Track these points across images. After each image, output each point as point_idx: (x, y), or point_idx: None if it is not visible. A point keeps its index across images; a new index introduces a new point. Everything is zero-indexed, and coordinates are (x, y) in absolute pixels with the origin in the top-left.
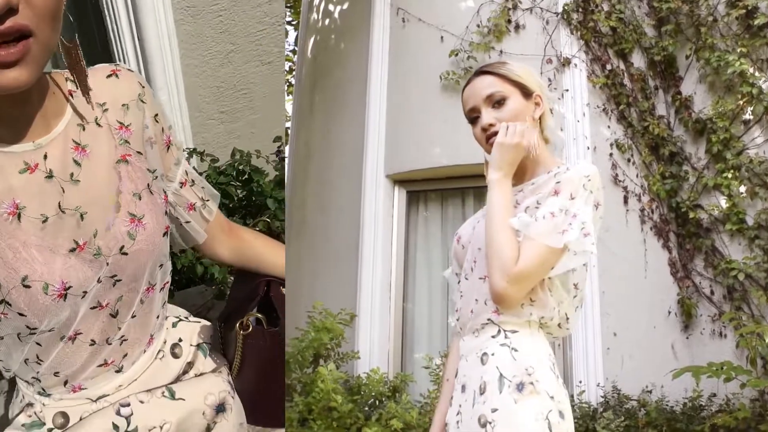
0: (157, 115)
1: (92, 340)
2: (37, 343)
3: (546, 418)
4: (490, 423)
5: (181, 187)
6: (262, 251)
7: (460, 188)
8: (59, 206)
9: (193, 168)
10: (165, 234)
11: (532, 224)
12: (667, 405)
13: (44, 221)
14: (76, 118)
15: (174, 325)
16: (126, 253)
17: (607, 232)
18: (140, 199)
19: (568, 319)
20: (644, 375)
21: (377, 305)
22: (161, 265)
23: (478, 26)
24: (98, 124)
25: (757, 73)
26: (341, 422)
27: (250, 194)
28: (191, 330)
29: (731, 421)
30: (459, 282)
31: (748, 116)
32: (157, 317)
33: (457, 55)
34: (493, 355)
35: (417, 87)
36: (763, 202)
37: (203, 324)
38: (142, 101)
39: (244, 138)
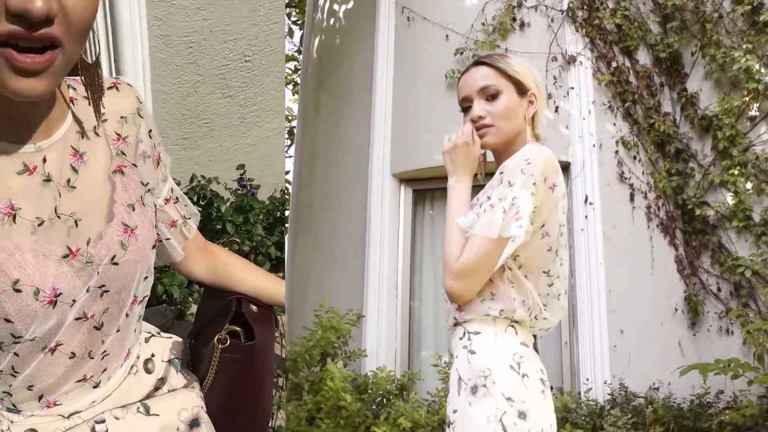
0: (151, 131)
1: (72, 353)
2: (15, 354)
3: (499, 420)
4: (451, 424)
5: (165, 204)
6: (236, 270)
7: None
8: (55, 211)
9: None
10: (154, 247)
11: (471, 217)
12: (674, 402)
13: (39, 225)
14: (75, 126)
15: (146, 340)
16: (117, 263)
17: (613, 229)
18: (133, 210)
19: (545, 307)
20: (651, 372)
21: (384, 303)
22: (146, 278)
23: (483, 24)
24: (97, 134)
25: (762, 69)
26: (350, 421)
27: (209, 218)
28: (163, 345)
29: (739, 418)
30: None
31: (754, 112)
32: (135, 331)
33: (462, 53)
34: (456, 357)
35: (422, 86)
36: None
37: (174, 340)
38: (139, 115)
39: (202, 165)
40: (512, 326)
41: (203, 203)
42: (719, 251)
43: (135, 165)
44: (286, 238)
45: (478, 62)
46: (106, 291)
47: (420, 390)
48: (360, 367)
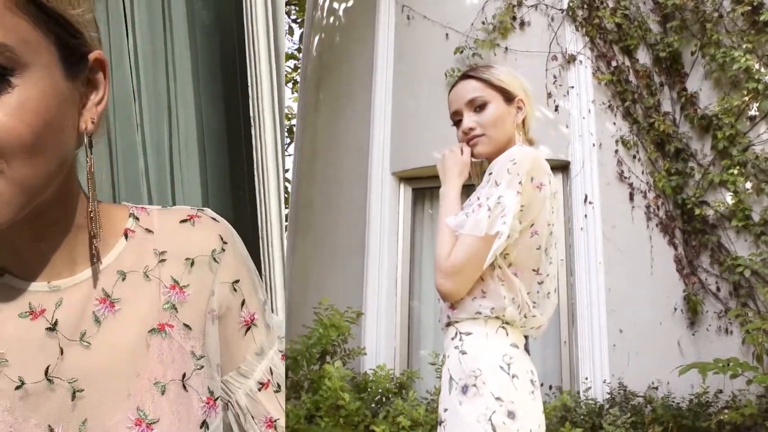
0: (237, 281)
1: None
2: None
3: (489, 419)
4: (442, 423)
5: (259, 390)
6: None
7: (466, 185)
8: (45, 372)
9: None
10: None
11: (459, 218)
12: (673, 401)
13: (17, 387)
14: (118, 262)
15: None
16: None
17: (613, 228)
18: (162, 393)
19: (534, 305)
20: (650, 371)
21: (383, 302)
22: None
23: (483, 23)
24: (146, 276)
25: (762, 69)
26: (349, 420)
27: None
28: None
29: (738, 417)
30: None
31: (753, 112)
32: None
33: (462, 52)
34: (448, 357)
35: (422, 84)
36: None
37: None
38: (215, 260)
39: None
40: (503, 327)
41: None
42: (718, 251)
43: (189, 327)
44: (285, 236)
45: (465, 76)
46: None
47: (419, 388)
48: (359, 366)
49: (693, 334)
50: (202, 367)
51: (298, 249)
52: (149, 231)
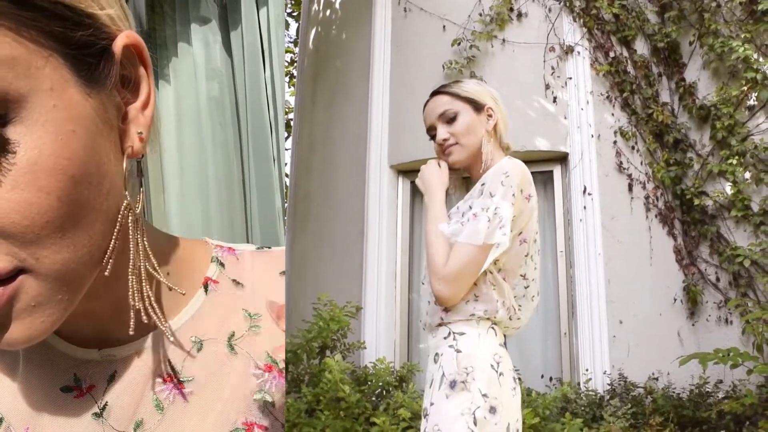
0: None
1: None
2: None
3: (472, 413)
4: (427, 416)
5: None
6: None
7: (464, 178)
8: None
9: None
10: None
11: (454, 226)
12: (673, 392)
13: None
14: (193, 325)
15: None
16: None
17: (612, 220)
18: None
19: (519, 308)
20: (650, 362)
21: (383, 295)
22: None
23: (481, 15)
24: (231, 348)
25: (761, 59)
26: (349, 412)
27: None
28: None
29: (738, 407)
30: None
31: (752, 102)
32: None
33: (459, 44)
34: (442, 355)
35: (420, 77)
36: None
37: None
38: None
39: None
40: (492, 328)
41: None
42: (718, 241)
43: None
44: (284, 230)
45: (435, 92)
46: None
47: (419, 381)
48: (359, 359)
49: (693, 325)
50: None
51: (296, 242)
52: (238, 284)
